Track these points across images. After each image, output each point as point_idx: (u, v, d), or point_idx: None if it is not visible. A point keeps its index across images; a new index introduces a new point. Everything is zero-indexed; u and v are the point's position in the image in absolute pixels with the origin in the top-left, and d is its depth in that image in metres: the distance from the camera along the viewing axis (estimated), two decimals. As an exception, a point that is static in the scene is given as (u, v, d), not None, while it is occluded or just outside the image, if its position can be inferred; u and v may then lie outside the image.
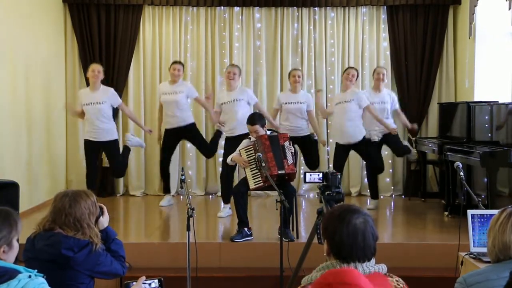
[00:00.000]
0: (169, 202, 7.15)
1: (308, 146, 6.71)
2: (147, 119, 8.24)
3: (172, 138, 6.94)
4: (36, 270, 2.38)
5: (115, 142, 6.57)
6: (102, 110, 6.38)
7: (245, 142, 5.62)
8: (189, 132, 6.95)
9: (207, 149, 7.14)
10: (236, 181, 6.75)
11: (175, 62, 6.98)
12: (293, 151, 5.51)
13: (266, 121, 6.05)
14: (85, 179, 7.26)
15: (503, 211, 2.50)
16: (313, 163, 6.73)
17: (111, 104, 6.48)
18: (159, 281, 2.54)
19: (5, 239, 2.41)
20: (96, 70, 6.41)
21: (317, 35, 8.25)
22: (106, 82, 7.75)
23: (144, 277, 2.47)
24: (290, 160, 5.39)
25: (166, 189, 7.18)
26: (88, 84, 7.72)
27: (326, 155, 8.21)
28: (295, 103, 6.68)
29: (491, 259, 2.50)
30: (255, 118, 5.54)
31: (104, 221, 3.04)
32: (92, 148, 6.52)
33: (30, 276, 2.32)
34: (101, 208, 3.02)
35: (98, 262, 2.84)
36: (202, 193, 8.20)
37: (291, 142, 5.57)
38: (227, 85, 6.54)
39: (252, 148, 5.42)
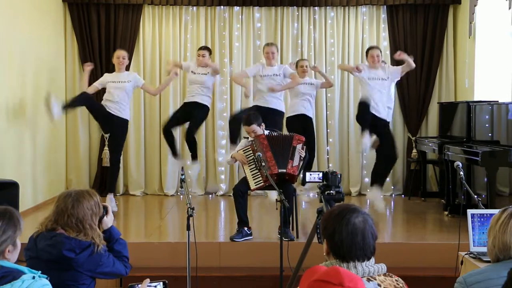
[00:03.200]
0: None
1: (308, 128, 6.93)
2: (147, 118, 8.25)
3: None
4: (40, 272, 2.38)
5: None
6: (125, 88, 6.61)
7: (243, 143, 5.61)
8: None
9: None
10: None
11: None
12: (303, 155, 5.48)
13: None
14: (84, 178, 7.30)
15: (504, 211, 2.50)
16: (310, 150, 6.80)
17: (134, 85, 6.71)
18: (164, 283, 2.51)
19: (11, 239, 2.42)
20: (121, 56, 6.72)
21: (317, 34, 8.25)
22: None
23: (148, 280, 2.45)
24: (295, 162, 5.38)
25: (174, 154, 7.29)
26: (89, 85, 7.85)
27: (326, 155, 8.22)
28: (307, 84, 6.99)
29: (491, 259, 2.50)
30: (251, 119, 5.50)
31: (108, 221, 3.03)
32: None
33: (34, 277, 2.32)
34: (105, 208, 3.01)
35: (99, 263, 2.83)
36: (202, 192, 8.20)
37: (305, 148, 5.56)
38: (268, 63, 6.79)
39: (251, 149, 5.41)
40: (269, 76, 6.67)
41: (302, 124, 6.84)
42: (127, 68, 7.21)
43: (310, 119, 7.02)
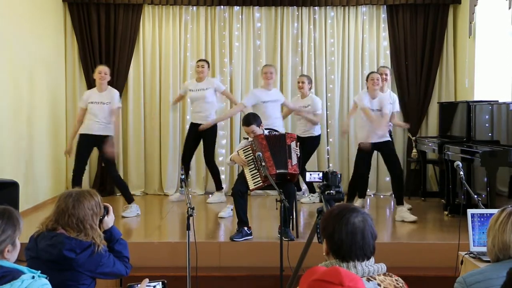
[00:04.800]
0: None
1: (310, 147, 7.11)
2: (147, 119, 8.25)
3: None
4: (39, 271, 2.38)
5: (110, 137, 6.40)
6: (104, 110, 6.29)
7: (243, 143, 5.61)
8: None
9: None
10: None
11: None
12: (298, 153, 5.48)
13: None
14: (84, 178, 7.23)
15: (503, 210, 2.50)
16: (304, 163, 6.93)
17: (112, 106, 6.34)
18: (163, 283, 2.52)
19: (10, 239, 2.42)
20: (103, 71, 6.35)
21: (317, 34, 8.25)
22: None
23: (147, 280, 2.45)
24: (294, 161, 5.37)
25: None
26: (89, 85, 7.70)
27: (326, 154, 8.22)
28: (307, 106, 7.06)
29: (491, 259, 2.50)
30: (250, 119, 5.50)
31: (109, 221, 3.03)
32: (87, 142, 6.38)
33: (33, 277, 2.32)
34: (106, 208, 3.01)
35: (100, 264, 2.83)
36: (202, 192, 8.20)
37: (298, 144, 5.55)
38: (266, 85, 6.75)
39: (250, 149, 5.41)
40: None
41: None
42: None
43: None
